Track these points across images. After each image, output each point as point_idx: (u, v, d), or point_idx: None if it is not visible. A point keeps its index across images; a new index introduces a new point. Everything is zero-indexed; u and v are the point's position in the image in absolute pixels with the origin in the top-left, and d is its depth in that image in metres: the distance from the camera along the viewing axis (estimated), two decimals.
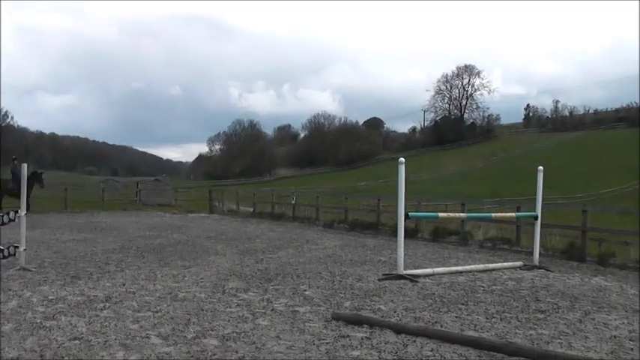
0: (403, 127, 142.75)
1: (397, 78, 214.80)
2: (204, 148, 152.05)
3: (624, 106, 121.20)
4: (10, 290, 8.66)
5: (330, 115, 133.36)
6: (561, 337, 6.72)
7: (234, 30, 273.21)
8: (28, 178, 26.73)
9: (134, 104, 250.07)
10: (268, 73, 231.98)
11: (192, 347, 5.77)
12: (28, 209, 25.12)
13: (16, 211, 10.87)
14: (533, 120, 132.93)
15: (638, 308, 8.62)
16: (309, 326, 6.72)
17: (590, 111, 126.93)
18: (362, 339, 6.20)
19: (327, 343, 6.02)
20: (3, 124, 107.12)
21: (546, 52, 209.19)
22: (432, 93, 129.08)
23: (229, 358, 5.44)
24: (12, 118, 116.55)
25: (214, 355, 5.53)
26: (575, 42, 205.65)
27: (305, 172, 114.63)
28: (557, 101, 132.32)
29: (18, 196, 26.64)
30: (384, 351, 5.78)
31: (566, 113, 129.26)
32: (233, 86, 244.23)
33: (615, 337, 6.84)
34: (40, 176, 28.11)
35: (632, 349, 6.35)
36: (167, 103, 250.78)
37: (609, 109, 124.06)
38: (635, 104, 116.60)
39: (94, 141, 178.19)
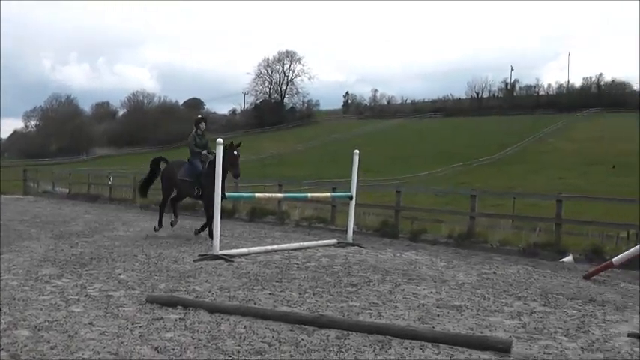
0: (223, 109, 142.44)
1: (217, 59, 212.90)
2: (19, 124, 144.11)
3: (441, 97, 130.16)
4: None
5: (149, 94, 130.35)
6: (372, 307, 7.17)
7: None
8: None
9: None
10: (82, 43, 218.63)
11: (3, 340, 5.55)
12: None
13: None
14: (352, 107, 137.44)
15: (447, 278, 9.38)
16: (123, 310, 6.71)
17: (408, 101, 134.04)
18: (176, 320, 6.29)
19: (140, 326, 6.05)
20: None
21: (365, 40, 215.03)
22: (253, 76, 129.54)
23: (41, 349, 5.32)
24: None
25: (26, 346, 5.38)
26: (395, 33, 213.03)
27: (124, 151, 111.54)
28: (376, 90, 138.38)
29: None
30: (198, 331, 5.92)
31: (385, 102, 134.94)
32: (46, 57, 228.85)
33: (423, 305, 7.41)
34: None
35: (438, 315, 6.92)
36: None
37: (426, 100, 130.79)
38: (451, 96, 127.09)
39: None
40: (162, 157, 15.58)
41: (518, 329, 6.42)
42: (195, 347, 5.42)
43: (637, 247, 10.42)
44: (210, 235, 12.34)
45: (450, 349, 5.51)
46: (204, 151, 13.78)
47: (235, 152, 13.20)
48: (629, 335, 6.31)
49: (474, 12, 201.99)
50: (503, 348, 5.49)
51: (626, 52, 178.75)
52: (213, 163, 12.85)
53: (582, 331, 6.45)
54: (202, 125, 14.52)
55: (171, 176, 14.39)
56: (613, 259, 10.14)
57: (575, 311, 7.44)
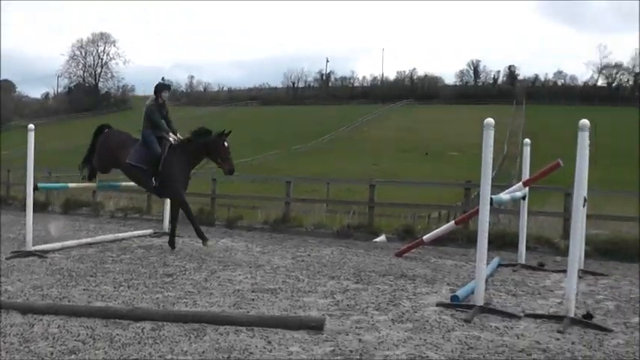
0: (36, 93, 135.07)
1: (29, 37, 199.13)
2: None
3: (257, 86, 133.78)
4: None
5: None
6: (187, 296, 7.24)
7: None
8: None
9: None
10: None
11: None
12: None
13: None
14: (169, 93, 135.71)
15: (262, 263, 9.65)
16: None
17: (225, 89, 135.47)
18: None
19: None
20: None
21: (182, 26, 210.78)
22: (67, 57, 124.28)
23: None
24: None
25: None
26: (213, 21, 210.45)
27: None
28: (192, 77, 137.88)
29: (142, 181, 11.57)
30: (9, 334, 5.67)
31: (201, 89, 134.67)
32: None
33: (238, 290, 7.59)
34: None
35: (253, 299, 7.12)
36: None
37: (242, 89, 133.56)
38: (267, 85, 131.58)
39: None
40: (108, 125, 12.42)
41: (332, 307, 6.77)
42: (6, 352, 5.20)
43: (446, 225, 11.26)
44: (200, 235, 11.02)
45: (264, 331, 5.70)
46: (172, 135, 11.53)
47: (225, 143, 11.23)
48: (437, 305, 6.86)
49: (289, 4, 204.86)
50: (317, 326, 5.77)
51: (439, 49, 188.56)
52: (176, 147, 11.41)
53: (393, 305, 6.92)
54: (165, 94, 12.01)
55: (113, 146, 11.47)
56: (424, 237, 10.87)
57: (386, 287, 7.96)
